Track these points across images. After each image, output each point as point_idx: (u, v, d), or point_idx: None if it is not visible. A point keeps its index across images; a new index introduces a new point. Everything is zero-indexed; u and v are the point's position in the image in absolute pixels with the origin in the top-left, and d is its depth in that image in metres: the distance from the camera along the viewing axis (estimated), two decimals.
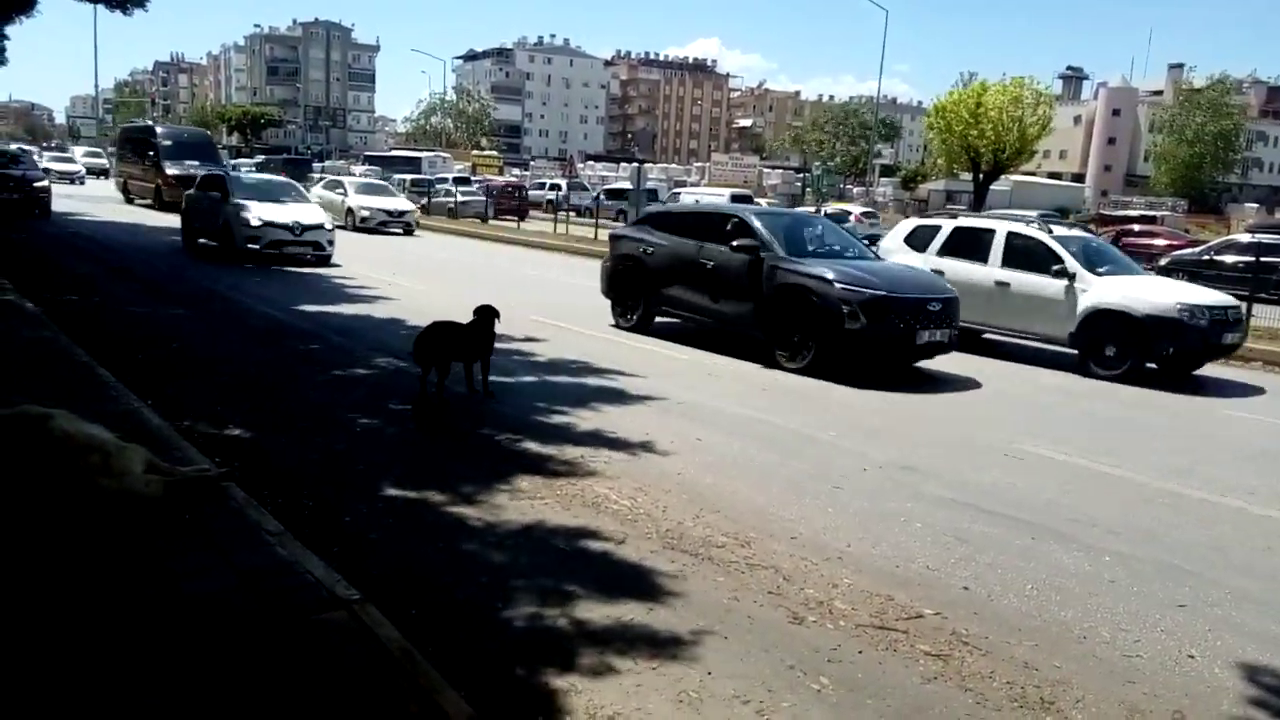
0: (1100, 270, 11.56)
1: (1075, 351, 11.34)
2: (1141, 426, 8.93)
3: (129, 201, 32.02)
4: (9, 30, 29.18)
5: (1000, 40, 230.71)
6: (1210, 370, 11.74)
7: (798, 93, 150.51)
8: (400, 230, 27.78)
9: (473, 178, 47.44)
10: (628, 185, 36.70)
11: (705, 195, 37.90)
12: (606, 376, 9.01)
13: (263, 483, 5.16)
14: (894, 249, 13.05)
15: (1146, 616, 4.42)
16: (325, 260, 17.59)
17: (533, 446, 6.50)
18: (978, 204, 35.56)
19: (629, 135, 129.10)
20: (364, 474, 5.70)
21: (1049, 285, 11.44)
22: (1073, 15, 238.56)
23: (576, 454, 6.33)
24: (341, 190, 28.74)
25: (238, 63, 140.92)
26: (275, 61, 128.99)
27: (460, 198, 37.08)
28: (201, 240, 18.73)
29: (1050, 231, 12.08)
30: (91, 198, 33.64)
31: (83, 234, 20.97)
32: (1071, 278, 11.29)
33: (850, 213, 38.40)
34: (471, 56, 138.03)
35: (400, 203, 29.47)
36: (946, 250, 12.65)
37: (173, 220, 25.82)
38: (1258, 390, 11.18)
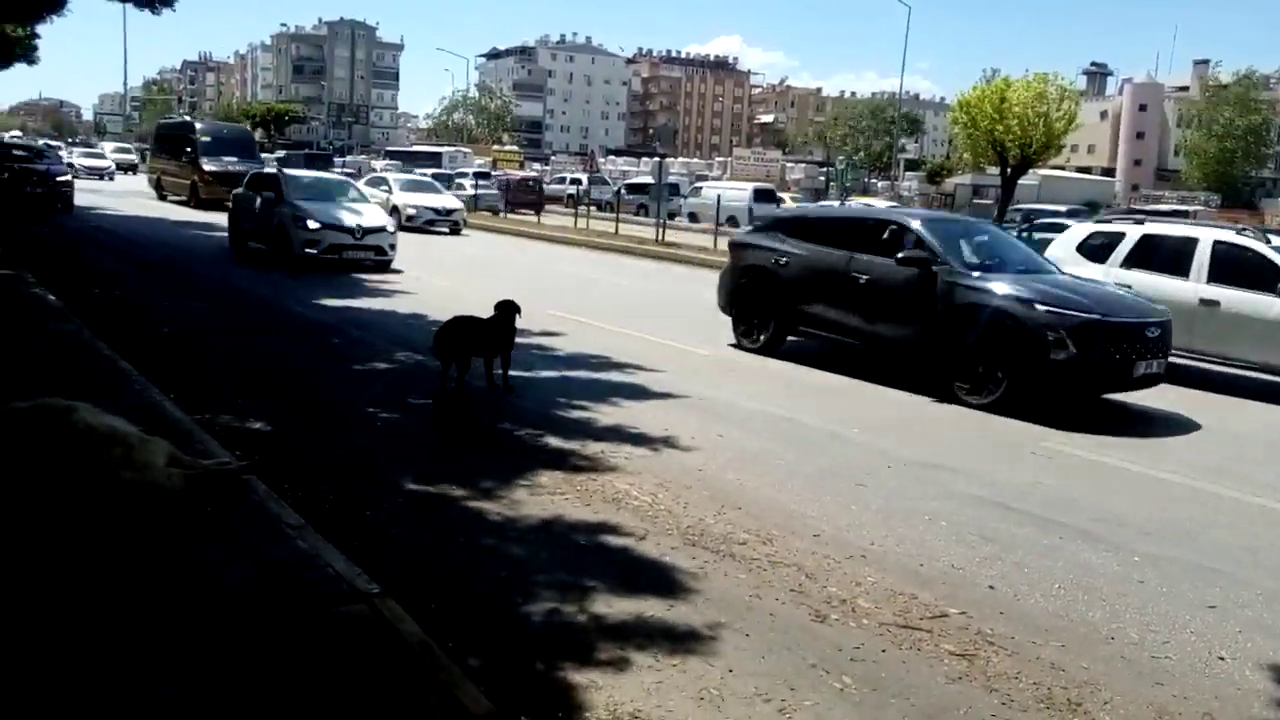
0: None
1: None
2: None
3: (161, 198, 31.35)
4: (40, 29, 29.60)
5: (1022, 37, 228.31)
6: None
7: (819, 89, 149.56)
8: (447, 229, 26.23)
9: (493, 172, 47.52)
10: (649, 180, 36.72)
11: (727, 189, 37.78)
12: (626, 371, 8.98)
13: (284, 476, 5.16)
14: (1064, 259, 11.04)
15: (1176, 617, 4.34)
16: (385, 265, 16.18)
17: (553, 441, 6.48)
18: (1005, 198, 35.14)
19: (650, 131, 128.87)
20: (384, 468, 5.70)
21: (1273, 305, 9.73)
22: (1095, 12, 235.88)
23: (597, 449, 6.31)
24: (386, 187, 27.36)
25: (264, 61, 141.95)
26: (301, 60, 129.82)
27: (476, 191, 37.02)
28: (252, 244, 17.19)
29: (1268, 241, 10.45)
30: (120, 193, 33.98)
31: (104, 228, 21.14)
32: None
33: (873, 207, 38.15)
34: (494, 55, 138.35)
35: (447, 200, 28.02)
36: (1133, 261, 10.86)
37: (203, 215, 26.08)
38: None
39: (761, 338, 10.48)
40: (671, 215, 32.42)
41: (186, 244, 19.23)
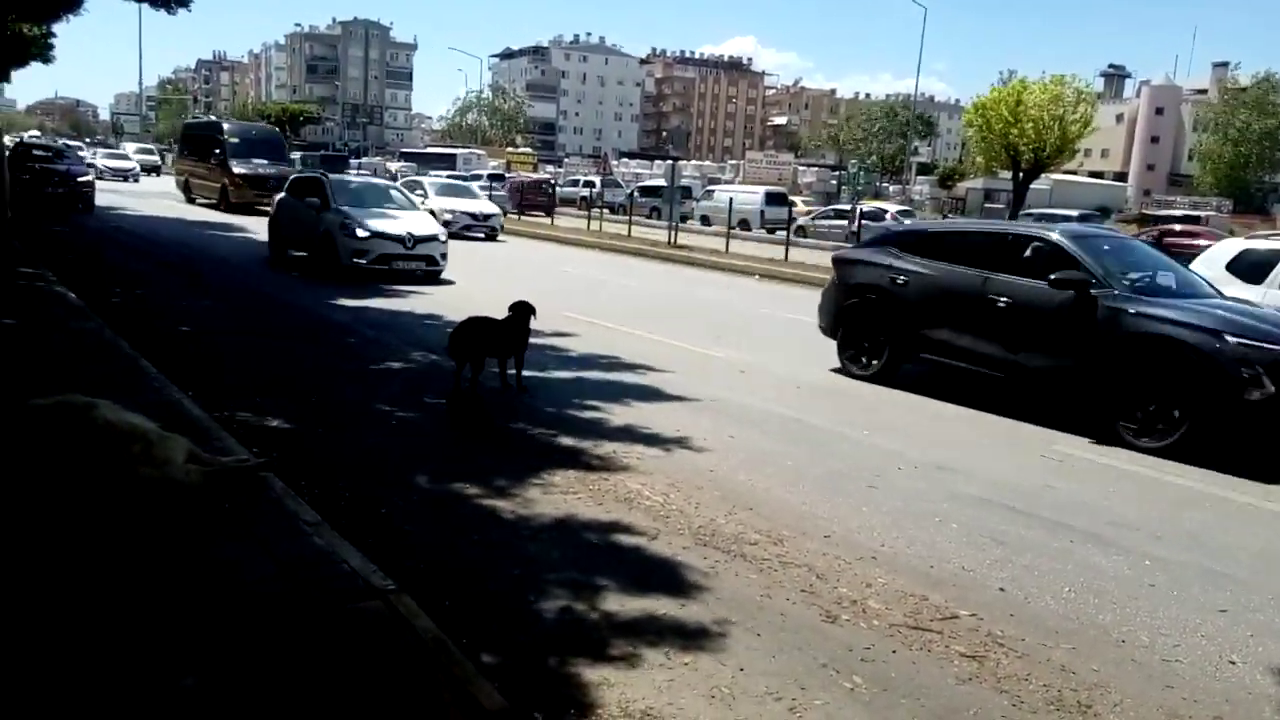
0: None
1: None
2: None
3: (190, 201, 30.82)
4: (56, 28, 29.85)
5: (1039, 38, 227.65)
6: None
7: (833, 91, 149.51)
8: (483, 235, 25.32)
9: (507, 174, 47.65)
10: (662, 182, 36.75)
11: (739, 192, 37.82)
12: (638, 372, 9.02)
13: (300, 473, 5.22)
14: (1214, 278, 9.67)
15: (1187, 621, 4.35)
16: (436, 277, 15.32)
17: (565, 441, 6.53)
18: (1017, 203, 35.06)
19: (663, 133, 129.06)
20: (399, 466, 5.76)
21: None
22: (1114, 14, 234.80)
23: (609, 449, 6.34)
24: (421, 191, 26.23)
25: (278, 61, 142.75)
26: (315, 60, 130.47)
27: (489, 194, 37.04)
28: (293, 253, 16.51)
29: None
30: (143, 193, 34.22)
31: (125, 228, 21.31)
32: None
33: (886, 211, 38.11)
34: (508, 55, 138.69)
35: (484, 205, 27.10)
36: None
37: (222, 216, 26.28)
38: None
39: (874, 364, 9.54)
40: (684, 218, 32.46)
41: (206, 244, 19.36)
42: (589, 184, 47.61)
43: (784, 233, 27.10)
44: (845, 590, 4.39)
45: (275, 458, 5.29)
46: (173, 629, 3.23)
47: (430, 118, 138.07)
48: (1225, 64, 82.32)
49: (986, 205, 49.75)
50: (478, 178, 41.80)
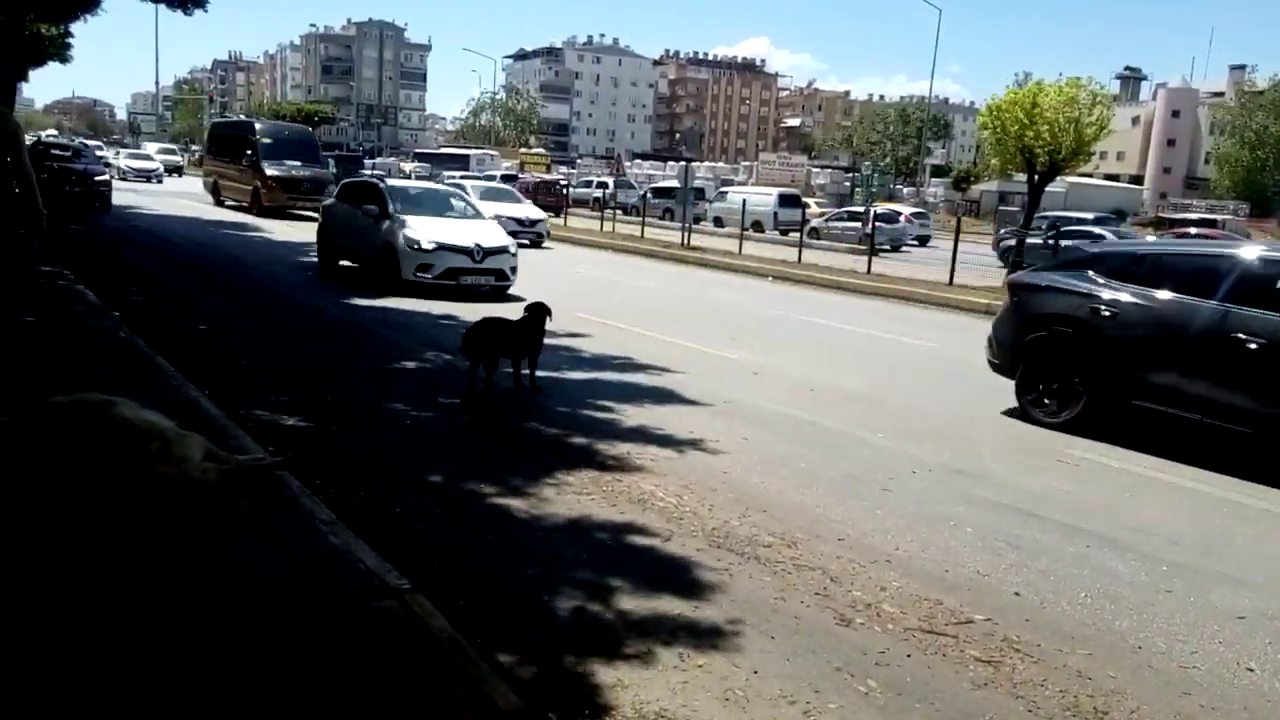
0: None
1: None
2: None
3: (219, 204, 30.02)
4: (73, 28, 30.10)
5: (1055, 40, 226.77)
6: None
7: (847, 92, 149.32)
8: (529, 241, 23.29)
9: (520, 175, 47.76)
10: (675, 184, 36.76)
11: (752, 194, 37.78)
12: (652, 373, 9.02)
13: (316, 472, 5.24)
14: None
15: (1204, 627, 4.32)
16: (504, 292, 13.70)
17: (579, 442, 6.53)
18: (1032, 206, 34.82)
19: (676, 134, 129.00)
20: (414, 466, 5.77)
21: None
22: (1129, 16, 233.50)
23: (623, 450, 6.35)
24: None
25: (293, 61, 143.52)
26: (330, 60, 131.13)
27: None
28: (344, 263, 15.39)
29: None
30: (164, 193, 34.42)
31: (141, 227, 21.44)
32: None
33: (900, 213, 38.01)
34: (521, 56, 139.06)
35: (529, 210, 25.55)
36: None
37: (235, 216, 26.41)
38: None
39: (1066, 411, 8.02)
40: (697, 220, 32.43)
41: (221, 243, 19.47)
42: (602, 185, 47.71)
43: (797, 234, 27.08)
44: (859, 594, 4.38)
45: (291, 456, 5.30)
46: (189, 626, 3.24)
47: (444, 118, 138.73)
48: (1242, 67, 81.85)
49: (1001, 208, 49.56)
50: (491, 178, 41.92)
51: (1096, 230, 28.54)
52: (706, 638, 3.81)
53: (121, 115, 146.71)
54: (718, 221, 37.14)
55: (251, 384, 7.47)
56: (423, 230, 13.49)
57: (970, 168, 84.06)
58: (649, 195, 39.72)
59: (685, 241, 26.37)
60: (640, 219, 31.22)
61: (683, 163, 35.10)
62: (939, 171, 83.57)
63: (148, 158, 48.93)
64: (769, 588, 4.36)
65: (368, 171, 41.51)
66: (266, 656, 3.09)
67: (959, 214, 39.27)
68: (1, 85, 29.34)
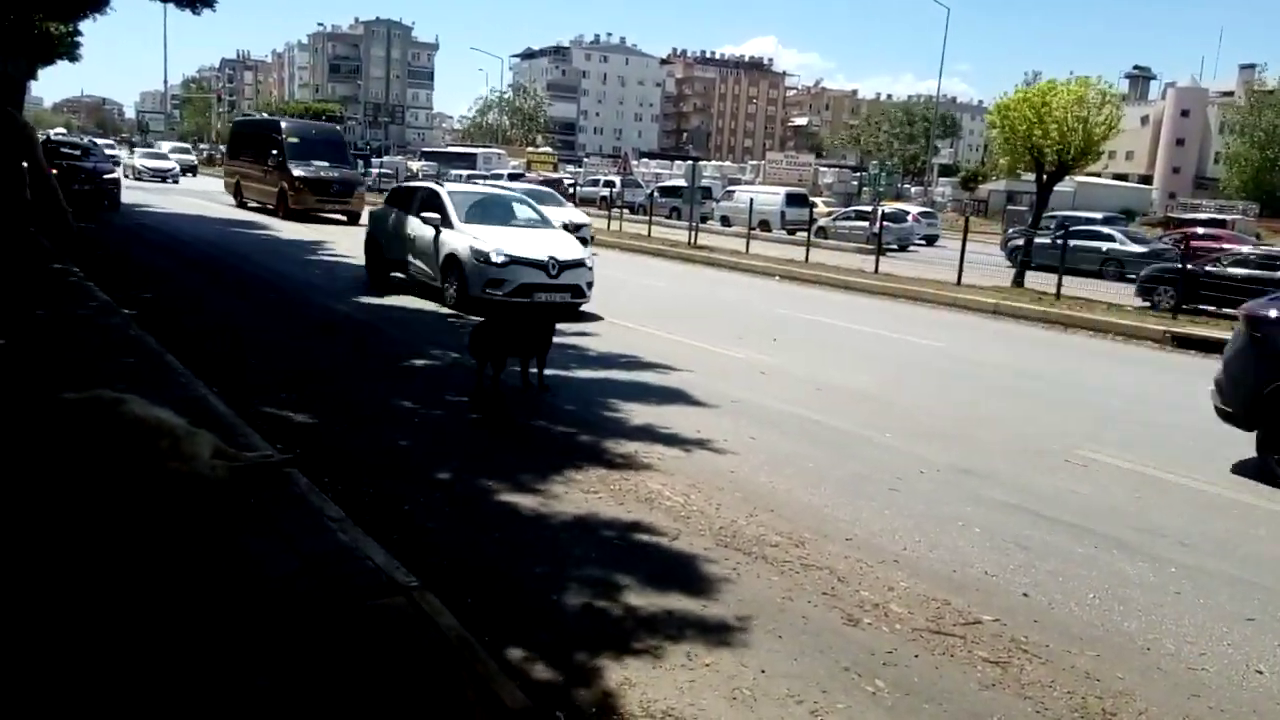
0: None
1: None
2: None
3: (241, 205, 29.00)
4: (82, 27, 30.19)
5: (1063, 39, 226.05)
6: None
7: (855, 91, 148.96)
8: None
9: (527, 174, 47.75)
10: (682, 182, 36.75)
11: (759, 193, 37.72)
12: (659, 372, 9.02)
13: (324, 470, 5.25)
14: None
15: (1213, 629, 4.30)
16: (575, 311, 12.15)
17: (586, 440, 6.54)
18: (1040, 205, 34.72)
19: (683, 133, 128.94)
20: (422, 463, 5.79)
21: None
22: (1138, 15, 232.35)
23: (630, 449, 6.35)
24: None
25: (301, 60, 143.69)
26: (337, 59, 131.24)
27: None
28: (396, 275, 13.92)
29: None
30: (180, 192, 34.49)
31: (150, 225, 21.49)
32: None
33: (908, 213, 37.92)
34: (529, 55, 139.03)
35: (572, 213, 23.22)
36: None
37: (242, 214, 26.46)
38: None
39: None
40: (704, 219, 32.43)
41: (230, 242, 19.52)
42: (609, 184, 47.63)
43: (804, 234, 27.03)
44: (867, 594, 4.37)
45: (299, 454, 5.32)
46: (199, 623, 3.25)
47: (451, 117, 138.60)
48: (1252, 66, 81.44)
49: (1009, 207, 49.41)
50: (498, 177, 41.91)
51: (1105, 230, 28.44)
52: (714, 636, 3.81)
53: (130, 114, 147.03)
54: (725, 220, 37.13)
55: (260, 382, 7.49)
56: (491, 241, 11.89)
57: (978, 167, 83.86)
58: (656, 194, 39.71)
59: (692, 240, 26.36)
60: (647, 218, 31.22)
61: (690, 162, 35.08)
62: (947, 171, 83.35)
63: (163, 157, 48.41)
64: (776, 587, 4.36)
65: (375, 170, 41.56)
66: (275, 653, 3.11)
67: (967, 213, 39.17)
68: (11, 83, 29.39)
